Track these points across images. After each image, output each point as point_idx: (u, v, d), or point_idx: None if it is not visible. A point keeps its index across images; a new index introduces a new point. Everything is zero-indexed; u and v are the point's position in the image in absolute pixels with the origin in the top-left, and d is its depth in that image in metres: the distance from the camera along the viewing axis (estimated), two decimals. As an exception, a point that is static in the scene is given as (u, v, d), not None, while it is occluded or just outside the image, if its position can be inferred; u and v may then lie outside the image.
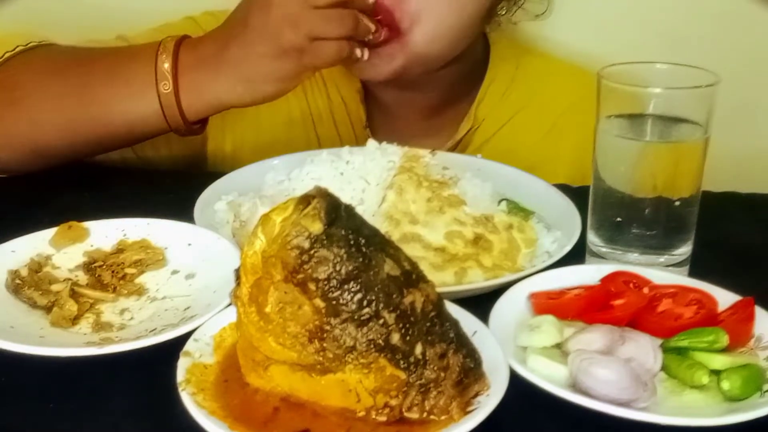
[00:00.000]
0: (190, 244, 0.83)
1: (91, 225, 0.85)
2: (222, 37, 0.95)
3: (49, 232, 0.84)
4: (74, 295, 0.77)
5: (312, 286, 0.58)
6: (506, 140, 1.19)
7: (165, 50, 0.95)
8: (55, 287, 0.77)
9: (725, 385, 0.66)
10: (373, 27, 0.95)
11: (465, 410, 0.60)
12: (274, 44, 0.90)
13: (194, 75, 0.94)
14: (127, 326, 0.74)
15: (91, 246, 0.84)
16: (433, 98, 1.18)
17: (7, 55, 1.02)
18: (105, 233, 0.85)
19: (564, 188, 0.97)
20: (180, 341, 0.67)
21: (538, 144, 1.18)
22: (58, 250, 0.83)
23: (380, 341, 0.59)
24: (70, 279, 0.79)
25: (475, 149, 1.16)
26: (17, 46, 1.03)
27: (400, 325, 0.59)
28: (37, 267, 0.80)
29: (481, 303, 0.73)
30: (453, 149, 1.18)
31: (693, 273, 0.83)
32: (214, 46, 0.95)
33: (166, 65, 0.94)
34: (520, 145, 1.17)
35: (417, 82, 1.14)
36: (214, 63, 0.94)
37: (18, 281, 0.77)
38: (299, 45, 0.90)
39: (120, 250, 0.83)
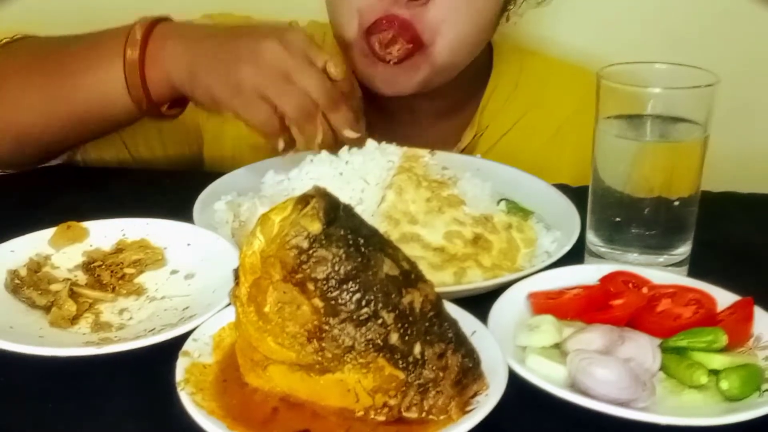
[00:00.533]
0: (189, 244, 0.83)
1: (90, 225, 0.85)
2: (215, 31, 0.95)
3: (49, 232, 0.84)
4: (73, 295, 0.77)
5: (311, 286, 0.59)
6: (511, 145, 1.19)
7: (143, 23, 0.95)
8: (54, 287, 0.77)
9: (724, 384, 0.66)
10: (322, 136, 0.91)
11: (464, 410, 0.60)
12: (232, 69, 0.89)
13: (164, 42, 0.94)
14: (126, 326, 0.74)
15: (90, 246, 0.84)
16: (437, 105, 1.18)
17: None
18: (104, 233, 0.85)
19: (563, 188, 0.97)
20: (179, 341, 0.67)
21: (544, 147, 1.18)
22: (57, 250, 0.83)
23: (379, 341, 0.59)
24: (69, 279, 0.79)
25: (482, 155, 1.16)
26: (2, 39, 1.05)
27: (399, 325, 0.59)
28: (36, 267, 0.80)
29: (480, 303, 0.73)
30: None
31: (692, 273, 0.83)
32: (201, 31, 0.95)
33: (138, 35, 0.93)
34: (525, 150, 1.17)
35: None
36: (189, 43, 0.93)
37: (17, 281, 0.77)
38: (242, 87, 0.88)
39: (119, 250, 0.83)
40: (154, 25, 0.95)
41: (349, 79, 0.91)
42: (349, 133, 0.91)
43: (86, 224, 0.85)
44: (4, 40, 1.05)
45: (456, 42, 1.02)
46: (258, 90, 0.88)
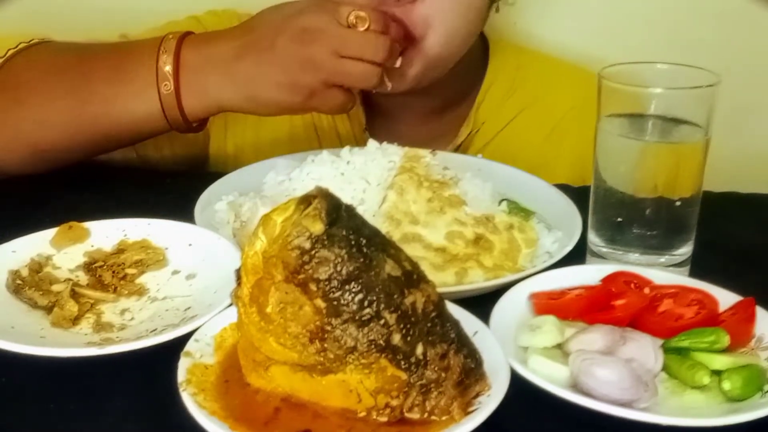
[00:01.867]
0: (190, 245, 0.83)
1: (92, 225, 0.85)
2: (239, 43, 0.93)
3: (50, 233, 0.83)
4: (75, 295, 0.77)
5: (313, 287, 0.58)
6: (507, 143, 1.19)
7: (166, 49, 0.94)
8: (55, 287, 0.77)
9: (726, 385, 0.66)
10: (399, 48, 0.96)
11: (466, 410, 0.60)
12: (292, 78, 0.91)
13: (198, 76, 0.94)
14: (128, 326, 0.74)
15: (92, 246, 0.84)
16: (433, 102, 1.18)
17: (10, 52, 1.02)
18: (105, 233, 0.85)
19: (564, 188, 0.97)
20: (181, 341, 0.67)
21: (540, 146, 1.18)
22: (58, 250, 0.83)
23: (381, 342, 0.59)
24: (70, 279, 0.79)
25: (476, 152, 1.16)
26: (20, 43, 1.03)
27: (401, 326, 0.59)
28: (37, 267, 0.80)
29: (481, 303, 0.73)
30: (454, 152, 1.18)
31: (694, 273, 0.83)
32: (227, 50, 0.94)
33: (168, 67, 0.93)
34: (521, 148, 1.17)
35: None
36: (223, 68, 0.93)
37: (18, 281, 0.77)
38: (314, 88, 0.91)
39: (120, 250, 0.83)
40: (179, 47, 0.94)
41: (375, 16, 0.92)
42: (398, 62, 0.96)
43: (87, 224, 0.85)
44: (21, 45, 1.03)
45: (447, 34, 1.02)
46: (321, 83, 0.90)
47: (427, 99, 1.17)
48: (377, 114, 1.20)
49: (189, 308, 0.75)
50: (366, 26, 0.91)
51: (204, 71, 0.94)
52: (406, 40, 0.99)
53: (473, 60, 1.19)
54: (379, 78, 0.92)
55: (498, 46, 1.22)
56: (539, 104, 1.20)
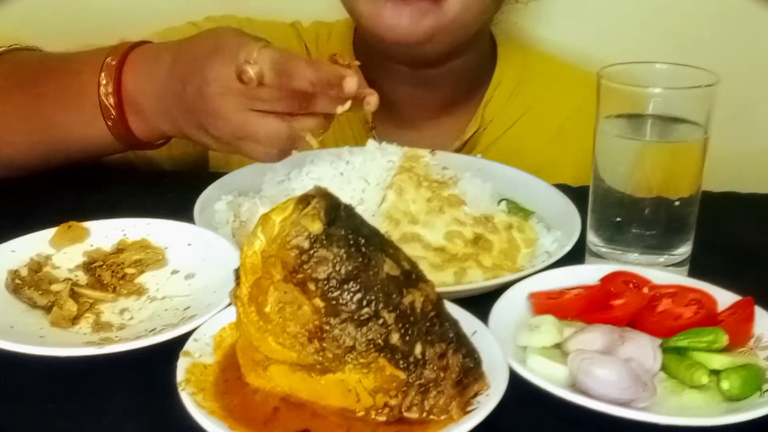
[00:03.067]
0: (190, 244, 0.83)
1: (91, 225, 0.85)
2: (166, 76, 0.89)
3: (49, 232, 0.84)
4: (74, 295, 0.77)
5: (312, 286, 0.59)
6: (513, 142, 1.19)
7: (107, 79, 0.91)
8: (54, 287, 0.77)
9: (725, 385, 0.66)
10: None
11: (464, 410, 0.60)
12: (205, 129, 0.86)
13: (141, 106, 0.92)
14: (127, 326, 0.74)
15: (91, 246, 0.84)
16: (441, 95, 1.18)
17: None
18: (105, 233, 0.85)
19: (564, 188, 0.97)
20: (180, 341, 0.67)
21: (545, 146, 1.18)
22: (57, 250, 0.83)
23: (380, 341, 0.59)
24: (69, 279, 0.79)
25: (482, 150, 1.16)
26: (1, 47, 1.03)
27: (400, 325, 0.59)
28: (36, 267, 0.80)
29: (480, 303, 0.73)
30: (459, 150, 1.18)
31: (692, 273, 0.83)
32: (159, 82, 0.89)
33: (111, 100, 0.91)
34: (526, 147, 1.17)
35: (425, 79, 1.14)
36: (157, 103, 0.90)
37: (18, 281, 0.77)
38: (228, 141, 0.85)
39: (120, 250, 0.83)
40: (120, 70, 0.91)
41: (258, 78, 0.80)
42: (311, 140, 0.84)
43: (87, 224, 0.85)
44: (2, 49, 1.03)
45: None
46: (230, 135, 0.84)
47: (436, 93, 1.18)
48: (383, 113, 1.20)
49: (188, 308, 0.75)
50: (257, 85, 0.79)
51: (144, 100, 0.92)
52: None
53: (482, 57, 1.19)
54: (288, 135, 0.83)
55: (506, 46, 1.22)
56: (545, 105, 1.20)
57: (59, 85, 0.97)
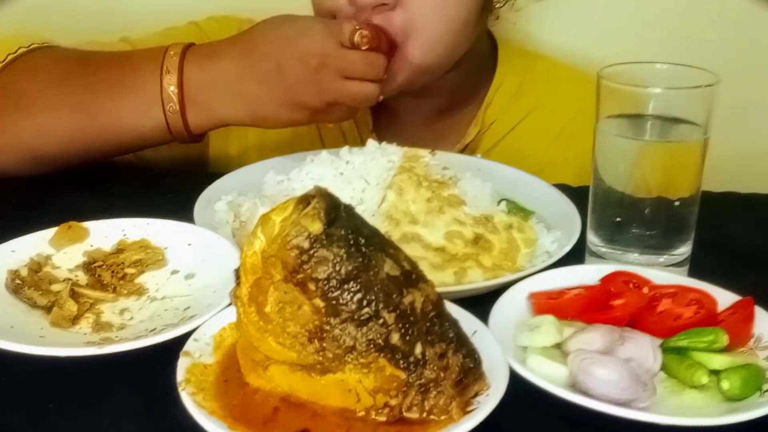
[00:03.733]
0: (190, 244, 0.83)
1: (91, 225, 0.85)
2: (243, 62, 0.95)
3: (49, 232, 0.84)
4: (74, 295, 0.77)
5: (312, 286, 0.59)
6: (515, 144, 1.19)
7: (170, 69, 0.95)
8: (55, 287, 0.77)
9: (725, 385, 0.66)
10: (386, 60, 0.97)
11: (465, 410, 0.60)
12: (298, 99, 0.93)
13: (202, 96, 0.95)
14: (127, 326, 0.74)
15: (91, 246, 0.84)
16: (440, 102, 1.18)
17: (9, 57, 1.01)
18: (105, 233, 0.85)
19: (564, 188, 0.97)
20: (180, 341, 0.67)
21: (547, 148, 1.18)
22: (57, 250, 0.83)
23: (380, 341, 0.59)
24: (69, 279, 0.79)
25: (484, 153, 1.16)
26: (19, 48, 1.02)
27: (400, 325, 0.59)
28: (36, 267, 0.80)
29: (480, 303, 0.73)
30: (461, 153, 1.18)
31: (692, 273, 0.83)
32: (231, 69, 0.95)
33: (172, 88, 0.94)
34: (528, 150, 1.17)
35: (424, 87, 1.14)
36: (227, 88, 0.95)
37: (18, 281, 0.77)
38: (319, 107, 0.94)
39: (120, 250, 0.83)
40: (182, 65, 0.95)
41: (373, 33, 0.95)
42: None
43: (87, 224, 0.85)
44: (21, 49, 1.02)
45: (429, 42, 1.02)
46: (326, 103, 0.94)
47: (435, 99, 1.18)
48: (384, 115, 1.20)
49: (188, 308, 0.75)
50: (368, 45, 0.94)
51: (208, 90, 0.95)
52: (389, 49, 0.99)
53: (481, 61, 1.19)
54: (378, 94, 0.96)
55: (506, 48, 1.22)
56: (547, 107, 1.20)
57: (112, 76, 0.98)
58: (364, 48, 0.93)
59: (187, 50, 0.96)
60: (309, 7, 1.19)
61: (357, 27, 0.93)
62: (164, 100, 0.95)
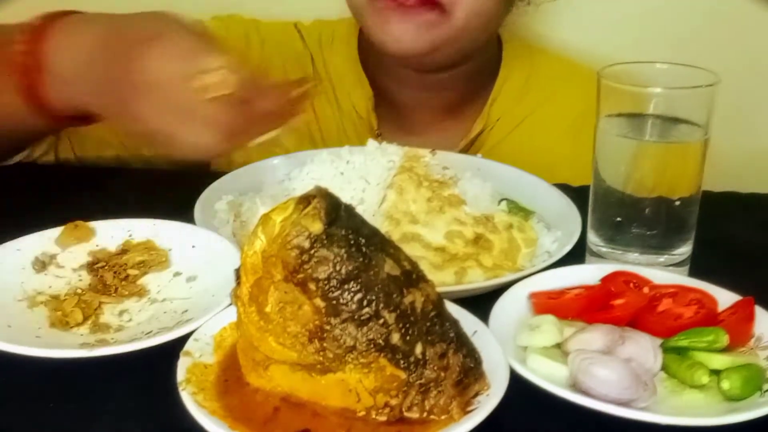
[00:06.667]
0: (194, 246, 0.83)
1: (98, 225, 0.85)
2: (108, 48, 0.82)
3: (55, 231, 0.83)
4: (79, 302, 0.76)
5: (312, 286, 0.59)
6: (520, 141, 1.19)
7: (27, 36, 0.84)
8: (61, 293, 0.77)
9: (725, 384, 0.66)
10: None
11: (465, 410, 0.60)
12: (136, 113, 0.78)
13: (61, 75, 0.84)
14: (125, 328, 0.74)
15: (97, 246, 0.84)
16: (446, 97, 1.19)
17: None
18: (111, 233, 0.85)
19: (564, 188, 0.97)
20: (180, 341, 0.67)
21: (554, 145, 1.18)
22: (63, 249, 0.83)
23: (380, 341, 0.59)
24: (77, 293, 0.78)
25: (489, 150, 1.16)
26: None
27: (400, 325, 0.59)
28: (41, 266, 0.80)
29: (481, 303, 0.73)
30: (466, 149, 1.18)
31: (693, 273, 0.83)
32: (93, 50, 0.82)
33: (23, 57, 0.84)
34: (535, 146, 1.17)
35: (431, 82, 1.14)
36: (91, 70, 0.82)
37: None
38: (164, 122, 0.78)
39: (124, 250, 0.83)
40: (43, 32, 0.84)
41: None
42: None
43: (93, 224, 0.85)
44: None
45: (474, 6, 1.02)
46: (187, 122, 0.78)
47: (443, 95, 1.18)
48: (389, 117, 1.20)
49: (186, 311, 0.75)
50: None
51: (61, 67, 0.84)
52: (432, 6, 1.00)
53: (488, 57, 1.19)
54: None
55: (511, 45, 1.22)
56: (553, 104, 1.20)
57: None
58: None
59: (61, 19, 0.86)
60: (309, 5, 1.19)
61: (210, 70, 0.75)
62: (12, 68, 0.84)
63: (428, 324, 0.61)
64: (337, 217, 0.59)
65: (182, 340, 0.67)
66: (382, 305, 0.59)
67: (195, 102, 0.75)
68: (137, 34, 0.80)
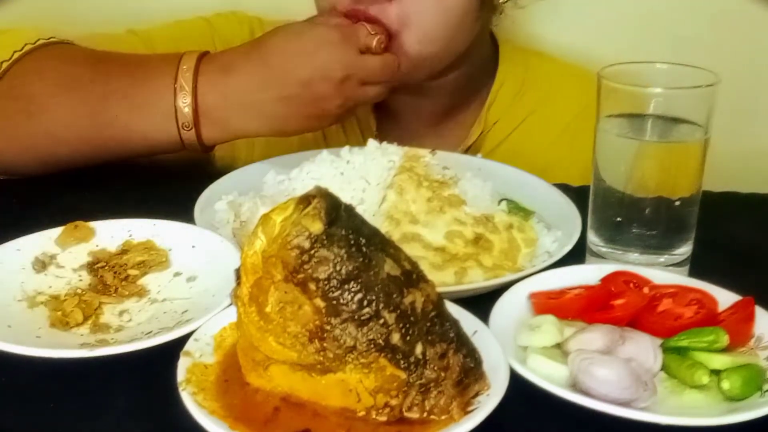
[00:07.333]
0: (194, 246, 0.83)
1: (98, 225, 0.85)
2: (259, 78, 0.94)
3: (55, 232, 0.83)
4: (80, 302, 0.76)
5: (312, 286, 0.59)
6: (518, 143, 1.19)
7: (183, 87, 0.94)
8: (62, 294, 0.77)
9: (725, 384, 0.66)
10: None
11: (465, 410, 0.60)
12: (320, 111, 0.95)
13: (218, 113, 0.95)
14: (125, 328, 0.74)
15: (97, 246, 0.84)
16: (442, 103, 1.18)
17: (16, 55, 0.99)
18: (111, 233, 0.85)
19: (564, 188, 0.97)
20: (180, 341, 0.67)
21: (551, 146, 1.18)
22: (63, 249, 0.83)
23: (380, 341, 0.59)
24: (78, 294, 0.78)
25: (487, 153, 1.16)
26: (25, 45, 1.00)
27: (401, 325, 0.59)
28: (41, 266, 0.80)
29: (481, 303, 0.73)
30: (464, 153, 1.18)
31: (693, 273, 0.83)
32: (246, 85, 0.94)
33: (186, 110, 0.94)
34: (532, 149, 1.17)
35: (426, 88, 1.14)
36: (244, 105, 0.94)
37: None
38: (341, 115, 0.98)
39: (124, 251, 0.83)
40: (196, 83, 0.94)
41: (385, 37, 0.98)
42: None
43: (93, 224, 0.85)
44: (27, 46, 1.00)
45: (425, 33, 1.02)
46: (347, 110, 0.97)
47: (437, 100, 1.18)
48: (387, 118, 1.20)
49: (186, 311, 0.74)
50: (382, 46, 0.97)
51: (224, 107, 0.95)
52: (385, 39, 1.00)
53: (483, 61, 1.19)
54: (386, 91, 1.00)
55: (507, 48, 1.22)
56: (549, 106, 1.20)
57: (125, 86, 0.97)
58: (378, 50, 0.97)
59: (200, 63, 0.95)
60: (311, 3, 1.19)
61: (372, 32, 0.96)
62: (178, 117, 0.94)
63: (428, 324, 0.61)
64: (338, 217, 0.59)
65: (182, 340, 0.67)
66: (382, 305, 0.59)
67: (363, 93, 0.98)
68: (300, 50, 0.94)
